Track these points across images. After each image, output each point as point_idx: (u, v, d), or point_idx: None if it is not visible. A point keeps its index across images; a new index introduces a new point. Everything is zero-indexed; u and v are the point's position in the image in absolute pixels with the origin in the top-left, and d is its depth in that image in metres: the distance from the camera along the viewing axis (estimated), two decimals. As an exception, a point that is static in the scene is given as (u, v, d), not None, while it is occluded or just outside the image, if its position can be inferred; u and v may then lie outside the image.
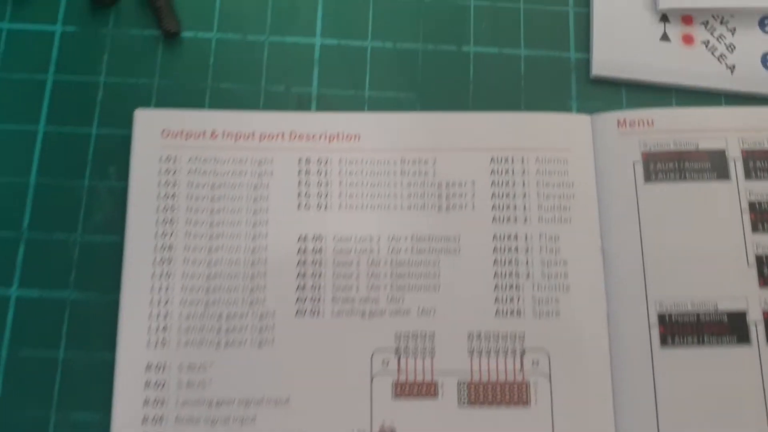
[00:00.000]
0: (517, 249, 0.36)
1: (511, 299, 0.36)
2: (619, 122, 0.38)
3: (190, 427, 0.33)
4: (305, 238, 0.36)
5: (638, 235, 0.36)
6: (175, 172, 0.36)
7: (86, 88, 0.38)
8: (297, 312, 0.35)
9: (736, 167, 0.37)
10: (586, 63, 0.40)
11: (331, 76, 0.39)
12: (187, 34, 0.40)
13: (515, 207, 0.37)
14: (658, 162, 0.37)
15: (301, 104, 0.39)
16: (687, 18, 0.41)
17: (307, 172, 0.37)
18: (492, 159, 0.37)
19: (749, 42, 0.41)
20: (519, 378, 0.35)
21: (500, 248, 0.36)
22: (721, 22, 0.41)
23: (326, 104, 0.39)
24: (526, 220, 0.37)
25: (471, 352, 0.35)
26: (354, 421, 0.34)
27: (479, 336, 0.35)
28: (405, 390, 0.34)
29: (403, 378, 0.35)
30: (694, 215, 0.37)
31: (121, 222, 0.36)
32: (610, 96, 0.40)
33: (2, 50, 0.39)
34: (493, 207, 0.37)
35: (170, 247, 0.35)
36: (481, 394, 0.34)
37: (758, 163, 0.37)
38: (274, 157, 0.37)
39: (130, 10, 0.40)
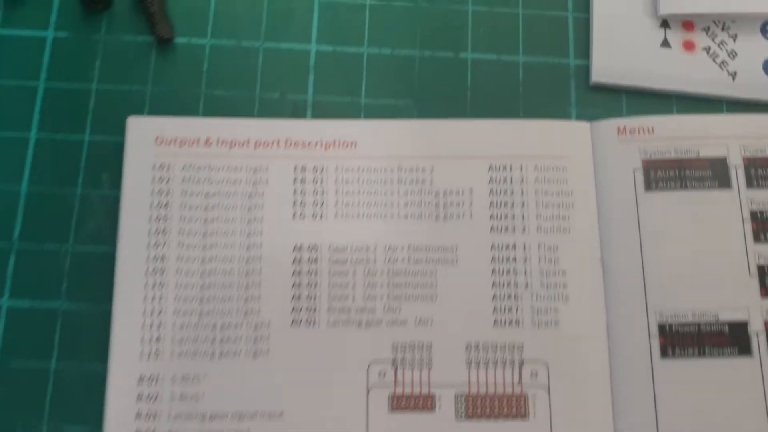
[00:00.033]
0: (515, 259, 0.36)
1: (510, 309, 0.35)
2: (619, 129, 0.38)
3: (182, 441, 0.33)
4: (300, 248, 0.36)
5: (638, 245, 0.36)
6: (168, 180, 0.36)
7: (78, 94, 0.38)
8: (292, 322, 0.35)
9: (738, 175, 0.37)
10: (586, 69, 0.40)
11: (326, 82, 0.39)
12: (180, 40, 0.39)
13: (513, 216, 0.36)
14: (659, 170, 0.37)
15: (297, 111, 0.38)
16: (688, 24, 0.41)
17: (303, 180, 0.37)
18: (490, 167, 0.37)
19: (751, 48, 0.40)
20: (518, 390, 0.34)
21: (498, 258, 0.36)
22: (723, 29, 0.40)
23: (322, 111, 0.38)
24: (524, 229, 0.36)
25: (469, 363, 0.34)
26: (348, 436, 0.33)
27: (477, 347, 0.35)
28: (401, 403, 0.34)
29: (399, 390, 0.34)
30: (695, 224, 0.36)
31: (113, 231, 0.36)
32: (610, 103, 0.39)
33: (-7, 56, 0.38)
34: (491, 216, 0.36)
35: (163, 257, 0.35)
36: (479, 407, 0.34)
37: (760, 171, 0.37)
38: (269, 165, 0.37)
39: (123, 16, 0.39)
